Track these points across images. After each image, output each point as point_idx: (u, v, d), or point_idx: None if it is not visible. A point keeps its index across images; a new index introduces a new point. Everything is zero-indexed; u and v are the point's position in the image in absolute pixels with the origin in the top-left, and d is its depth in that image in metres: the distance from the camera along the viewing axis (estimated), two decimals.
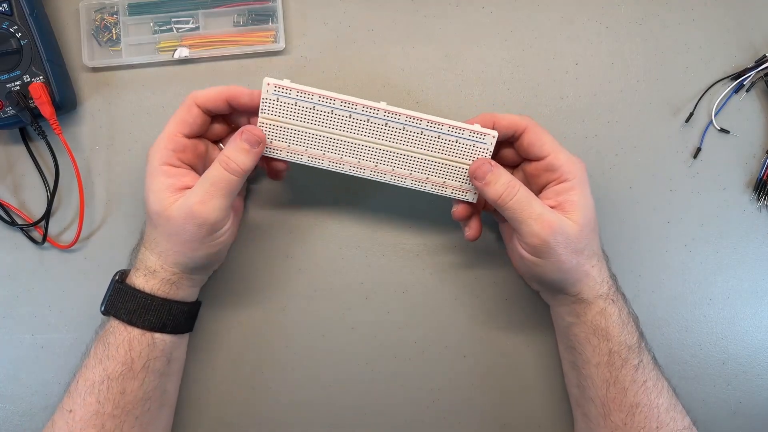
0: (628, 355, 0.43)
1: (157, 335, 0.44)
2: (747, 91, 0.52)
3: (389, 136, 0.44)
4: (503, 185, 0.42)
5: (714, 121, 0.52)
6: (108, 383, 0.42)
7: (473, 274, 0.53)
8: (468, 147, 0.44)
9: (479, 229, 0.47)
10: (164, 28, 0.52)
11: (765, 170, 0.51)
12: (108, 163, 0.52)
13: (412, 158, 0.44)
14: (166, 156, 0.43)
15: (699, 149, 0.52)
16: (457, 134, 0.43)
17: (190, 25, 0.52)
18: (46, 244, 0.52)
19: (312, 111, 0.43)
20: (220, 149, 0.48)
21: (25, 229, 0.52)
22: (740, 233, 0.52)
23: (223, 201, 0.42)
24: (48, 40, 0.49)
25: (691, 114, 0.52)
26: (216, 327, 0.52)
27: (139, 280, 0.44)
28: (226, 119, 0.47)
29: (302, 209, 0.52)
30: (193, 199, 0.41)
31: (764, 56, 0.51)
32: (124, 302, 0.44)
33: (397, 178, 0.45)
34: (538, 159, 0.44)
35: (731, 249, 0.52)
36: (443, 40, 0.52)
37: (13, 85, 0.48)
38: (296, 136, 0.44)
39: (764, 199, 0.52)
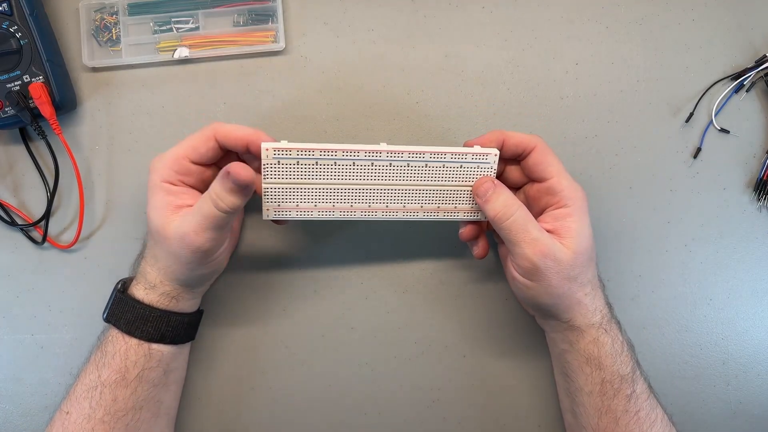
0: (620, 384, 0.43)
1: (155, 346, 0.44)
2: (747, 91, 0.52)
3: (395, 174, 0.44)
4: (501, 204, 0.43)
5: (714, 121, 0.52)
6: (101, 389, 0.43)
7: (473, 274, 0.53)
8: (473, 169, 0.44)
9: (487, 248, 0.48)
10: (164, 28, 0.52)
11: (765, 170, 0.51)
12: (108, 163, 0.52)
13: (421, 191, 0.44)
14: (167, 175, 0.42)
15: (699, 149, 0.52)
16: (460, 160, 0.44)
17: (190, 25, 0.52)
18: (46, 244, 0.52)
19: (315, 166, 0.43)
20: None
21: (25, 229, 0.52)
22: (740, 233, 0.52)
23: (215, 233, 0.41)
24: (48, 40, 0.49)
25: (691, 114, 0.52)
26: (216, 328, 0.52)
27: (140, 292, 0.44)
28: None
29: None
30: (186, 227, 0.41)
31: (764, 56, 0.51)
32: (124, 312, 0.44)
33: (408, 214, 0.45)
34: (540, 180, 0.44)
35: (731, 249, 0.52)
36: (443, 40, 0.52)
37: (13, 85, 0.48)
38: (303, 193, 0.43)
39: (764, 199, 0.52)
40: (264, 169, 0.42)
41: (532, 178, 0.45)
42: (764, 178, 0.51)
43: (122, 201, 0.52)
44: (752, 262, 0.52)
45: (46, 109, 0.48)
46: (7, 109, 0.48)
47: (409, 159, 0.43)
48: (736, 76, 0.52)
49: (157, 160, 0.43)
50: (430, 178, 0.44)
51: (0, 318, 0.52)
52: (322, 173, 0.43)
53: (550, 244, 0.42)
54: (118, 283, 0.46)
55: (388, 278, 0.52)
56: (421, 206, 0.45)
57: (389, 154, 0.43)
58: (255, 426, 0.52)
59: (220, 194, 0.40)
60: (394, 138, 0.52)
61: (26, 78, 0.48)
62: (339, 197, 0.44)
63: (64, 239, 0.52)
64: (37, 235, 0.52)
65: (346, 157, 0.43)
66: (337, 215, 0.44)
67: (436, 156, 0.43)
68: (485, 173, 0.44)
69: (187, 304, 0.46)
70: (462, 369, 0.52)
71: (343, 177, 0.43)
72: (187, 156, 0.43)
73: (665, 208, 0.52)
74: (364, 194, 0.44)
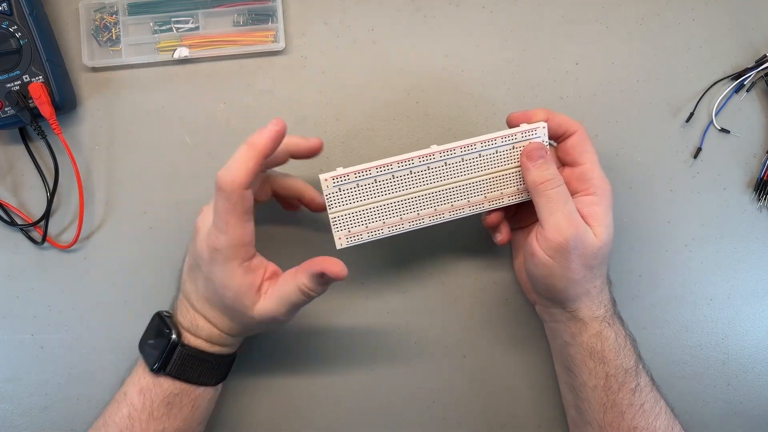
0: (624, 378, 0.43)
1: (219, 385, 0.46)
2: (747, 91, 0.52)
3: (451, 172, 0.44)
4: (552, 173, 0.42)
5: (714, 121, 0.52)
6: None
7: (473, 274, 0.53)
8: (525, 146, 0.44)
9: (510, 233, 0.48)
10: (164, 28, 0.52)
11: (765, 170, 0.51)
12: (108, 163, 0.52)
13: (481, 182, 0.44)
14: (245, 253, 0.41)
15: (699, 149, 0.52)
16: (511, 141, 0.43)
17: (190, 25, 0.52)
18: (45, 244, 0.52)
19: (375, 184, 0.43)
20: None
21: (25, 229, 0.52)
22: (740, 233, 0.52)
23: (298, 311, 0.43)
24: (48, 40, 0.49)
25: (692, 114, 0.52)
26: None
27: (202, 343, 0.44)
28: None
29: (301, 211, 0.52)
30: (273, 312, 0.42)
31: (764, 56, 0.51)
32: (194, 366, 0.43)
33: (474, 207, 0.45)
34: (574, 164, 0.44)
35: (731, 249, 0.52)
36: (443, 40, 0.52)
37: (12, 85, 0.48)
38: (369, 214, 0.44)
39: (764, 199, 0.52)
40: (327, 199, 0.43)
41: (565, 161, 0.45)
42: (764, 178, 0.51)
43: (122, 201, 0.52)
44: (752, 262, 0.52)
45: (46, 109, 0.48)
46: (6, 109, 0.48)
47: (462, 154, 0.43)
48: (736, 76, 0.52)
49: (224, 245, 0.40)
50: (486, 167, 0.44)
51: (0, 318, 0.52)
52: (383, 189, 0.43)
53: (583, 225, 0.42)
54: (170, 333, 0.43)
55: (388, 278, 0.52)
56: (485, 196, 0.45)
57: (442, 154, 0.43)
58: (254, 425, 0.52)
59: (313, 288, 0.41)
60: (394, 138, 0.52)
61: (26, 78, 0.48)
62: (405, 208, 0.44)
63: (64, 239, 0.52)
64: (37, 235, 0.52)
65: (402, 167, 0.43)
66: (406, 227, 0.44)
67: (487, 144, 0.43)
68: None
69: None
70: (462, 369, 0.52)
71: (404, 188, 0.43)
72: (241, 226, 0.40)
73: (665, 208, 0.52)
74: (428, 199, 0.44)
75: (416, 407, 0.53)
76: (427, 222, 0.44)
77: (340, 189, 0.43)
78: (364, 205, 0.43)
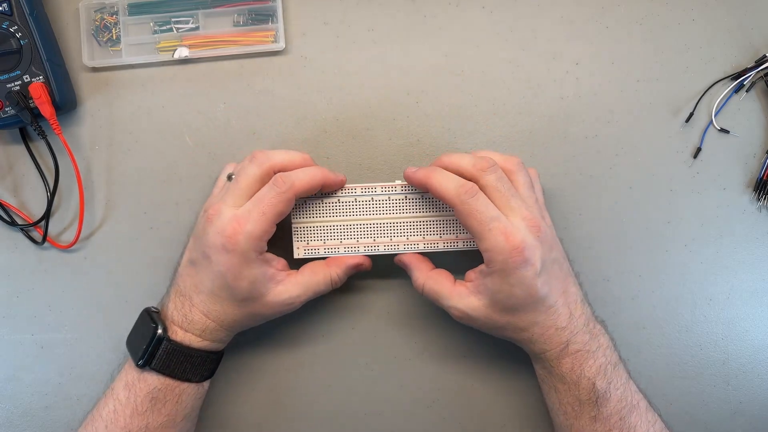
0: (580, 408, 0.43)
1: (205, 384, 0.46)
2: (747, 91, 0.52)
3: (411, 207, 0.46)
4: (415, 281, 0.46)
5: (714, 121, 0.52)
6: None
7: None
8: None
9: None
10: (164, 28, 0.52)
11: (765, 170, 0.51)
12: (108, 163, 0.52)
13: (438, 222, 0.46)
14: (262, 247, 0.43)
15: (699, 149, 0.52)
16: None
17: (190, 25, 0.52)
18: (45, 244, 0.52)
19: (337, 204, 0.45)
20: None
21: (25, 229, 0.52)
22: (740, 233, 0.52)
23: (310, 296, 0.46)
24: (48, 40, 0.49)
25: (691, 114, 0.52)
26: None
27: (190, 339, 0.44)
28: None
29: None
30: (292, 298, 0.44)
31: (764, 56, 0.51)
32: (180, 362, 0.43)
33: (429, 245, 0.47)
34: None
35: (731, 249, 0.52)
36: (443, 40, 0.52)
37: (13, 85, 0.48)
38: (329, 231, 0.46)
39: (764, 199, 0.52)
40: (293, 210, 0.45)
41: None
42: (764, 178, 0.51)
43: (122, 201, 0.52)
44: (752, 262, 0.52)
45: (46, 109, 0.48)
46: (7, 109, 0.48)
47: (421, 192, 0.46)
48: (736, 76, 0.52)
49: (247, 235, 0.41)
50: (446, 209, 0.46)
51: (0, 318, 0.52)
52: (344, 210, 0.46)
53: (461, 306, 0.43)
54: (156, 328, 0.43)
55: (388, 278, 0.52)
56: (440, 236, 0.46)
57: (403, 188, 0.46)
58: (254, 425, 0.52)
59: (341, 277, 0.46)
60: (394, 138, 0.52)
61: (26, 78, 0.48)
62: (362, 232, 0.46)
63: (64, 239, 0.52)
64: (37, 235, 0.52)
65: (365, 194, 0.45)
66: (362, 250, 0.47)
67: None
68: None
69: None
70: (462, 369, 0.52)
71: (364, 213, 0.46)
72: (275, 221, 0.42)
73: (665, 208, 0.52)
74: (385, 227, 0.46)
75: (416, 407, 0.53)
76: (382, 250, 0.47)
77: (305, 202, 0.45)
78: (324, 222, 0.46)
